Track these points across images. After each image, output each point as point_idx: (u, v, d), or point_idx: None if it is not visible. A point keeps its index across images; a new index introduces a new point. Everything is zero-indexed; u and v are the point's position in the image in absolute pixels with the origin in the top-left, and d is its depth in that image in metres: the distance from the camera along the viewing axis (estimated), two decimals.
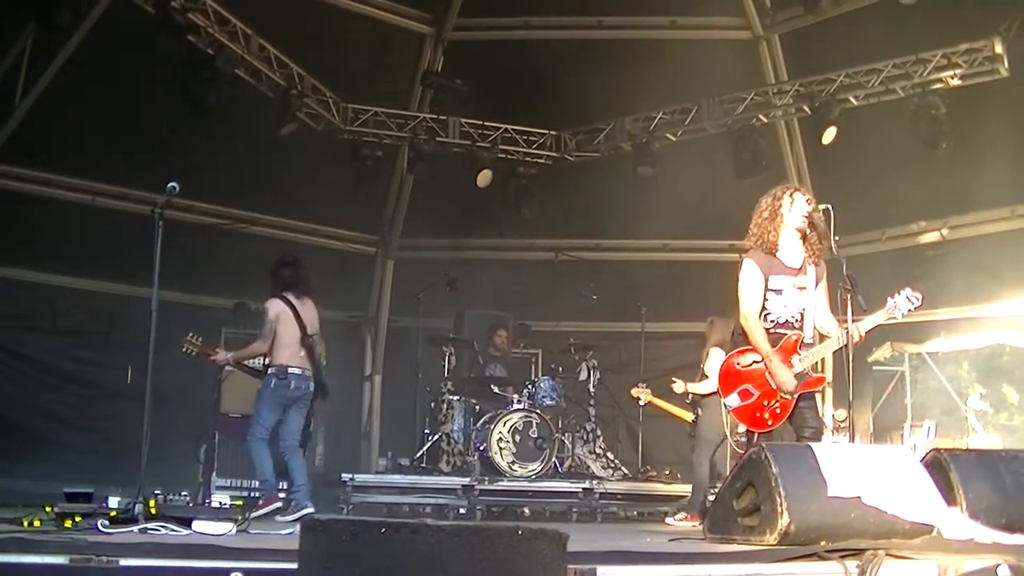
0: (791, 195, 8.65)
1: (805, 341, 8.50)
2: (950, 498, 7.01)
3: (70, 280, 15.19)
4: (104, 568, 4.57)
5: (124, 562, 4.63)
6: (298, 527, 7.96)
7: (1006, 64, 14.59)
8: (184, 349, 11.30)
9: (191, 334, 11.37)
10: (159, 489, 8.22)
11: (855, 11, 15.41)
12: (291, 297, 11.17)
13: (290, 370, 10.98)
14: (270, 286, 11.26)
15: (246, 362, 11.78)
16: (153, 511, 7.42)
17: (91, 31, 13.72)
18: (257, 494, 12.34)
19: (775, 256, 8.56)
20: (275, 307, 11.08)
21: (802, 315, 8.54)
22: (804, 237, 8.60)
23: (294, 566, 4.32)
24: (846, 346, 8.40)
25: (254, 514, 10.06)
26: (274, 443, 10.92)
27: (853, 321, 8.29)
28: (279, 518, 10.45)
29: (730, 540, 7.00)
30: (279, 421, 10.95)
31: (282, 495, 10.97)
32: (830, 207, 8.54)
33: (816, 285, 8.62)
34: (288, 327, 11.08)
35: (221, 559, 4.68)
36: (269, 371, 11.06)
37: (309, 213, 16.93)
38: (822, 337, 8.60)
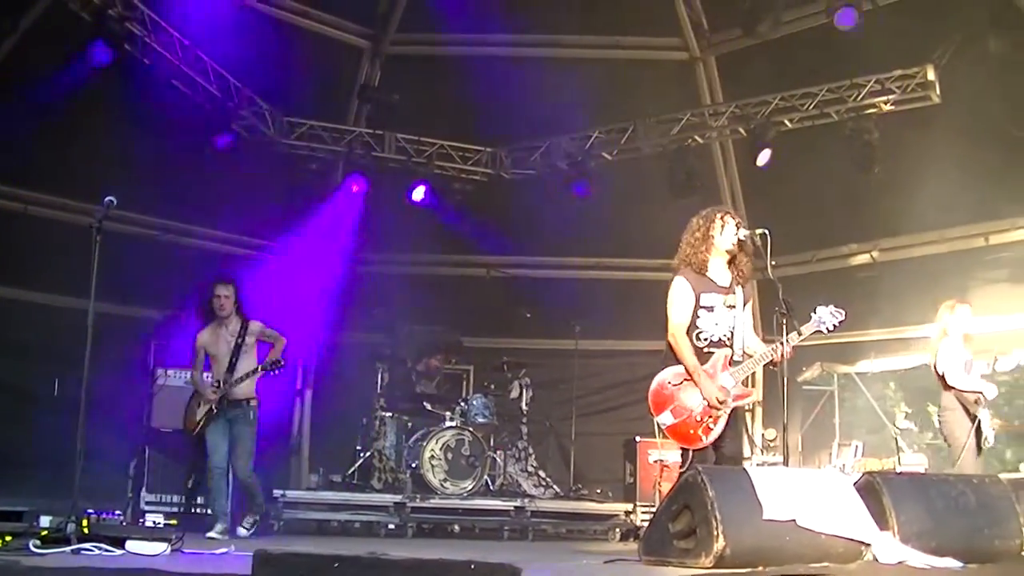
0: (722, 218, 8.73)
1: (734, 359, 8.57)
2: (882, 521, 7.09)
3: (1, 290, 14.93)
4: None
5: None
6: (233, 547, 7.98)
7: (938, 91, 14.83)
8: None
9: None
10: (89, 503, 8.13)
11: (791, 35, 15.57)
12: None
13: None
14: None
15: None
16: (86, 531, 7.31)
17: (24, 37, 13.55)
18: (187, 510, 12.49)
19: (705, 275, 8.63)
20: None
21: (733, 333, 8.61)
22: (732, 260, 8.68)
23: None
24: (778, 366, 8.48)
25: None
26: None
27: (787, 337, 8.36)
28: (209, 534, 10.54)
29: (666, 563, 7.02)
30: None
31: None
32: (766, 231, 8.60)
33: (744, 306, 8.71)
34: None
35: None
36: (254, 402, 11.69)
37: (243, 225, 16.77)
38: (749, 356, 8.67)
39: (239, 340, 11.48)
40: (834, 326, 8.66)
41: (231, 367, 11.40)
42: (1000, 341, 15.46)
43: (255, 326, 11.62)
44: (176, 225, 16.10)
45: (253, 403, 11.56)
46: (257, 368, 11.45)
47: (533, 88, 16.38)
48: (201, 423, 11.46)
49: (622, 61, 17.33)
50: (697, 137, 16.78)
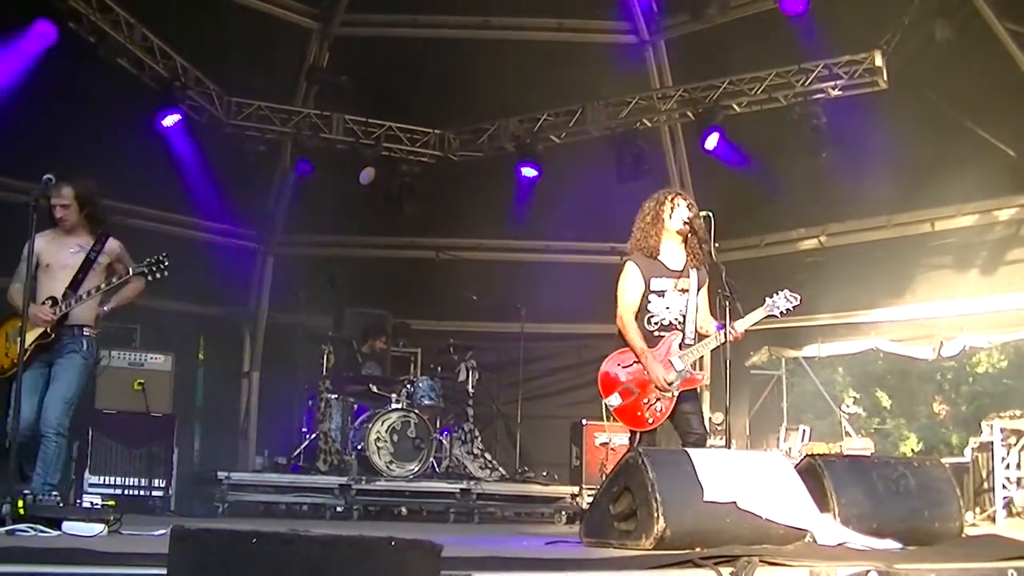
0: (672, 200, 8.73)
1: (686, 342, 8.58)
2: (823, 504, 7.11)
3: None
4: None
5: None
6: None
7: (885, 77, 14.89)
8: None
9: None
10: (32, 487, 8.07)
11: (740, 19, 15.59)
12: None
13: None
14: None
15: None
16: (22, 512, 7.23)
17: None
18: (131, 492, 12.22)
19: (656, 259, 8.63)
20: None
21: (685, 317, 8.62)
22: (685, 241, 8.68)
23: (164, 572, 4.24)
24: (724, 347, 8.47)
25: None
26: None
27: (732, 321, 8.37)
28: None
29: (606, 544, 7.01)
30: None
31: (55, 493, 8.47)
32: (711, 214, 8.61)
33: (698, 289, 8.71)
34: None
35: (90, 564, 4.56)
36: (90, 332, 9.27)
37: (189, 206, 16.62)
38: (702, 337, 8.69)
39: (92, 254, 9.12)
40: (787, 310, 8.72)
41: (75, 283, 9.01)
42: (945, 326, 15.61)
43: (114, 245, 9.25)
44: (119, 205, 15.89)
45: (88, 332, 9.15)
46: (113, 281, 9.06)
47: (482, 70, 16.39)
48: (29, 353, 8.70)
49: (571, 44, 17.29)
50: (646, 120, 16.77)
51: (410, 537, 4.14)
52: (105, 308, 9.34)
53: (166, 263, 9.08)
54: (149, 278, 9.14)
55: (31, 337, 8.73)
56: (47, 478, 8.70)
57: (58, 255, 9.01)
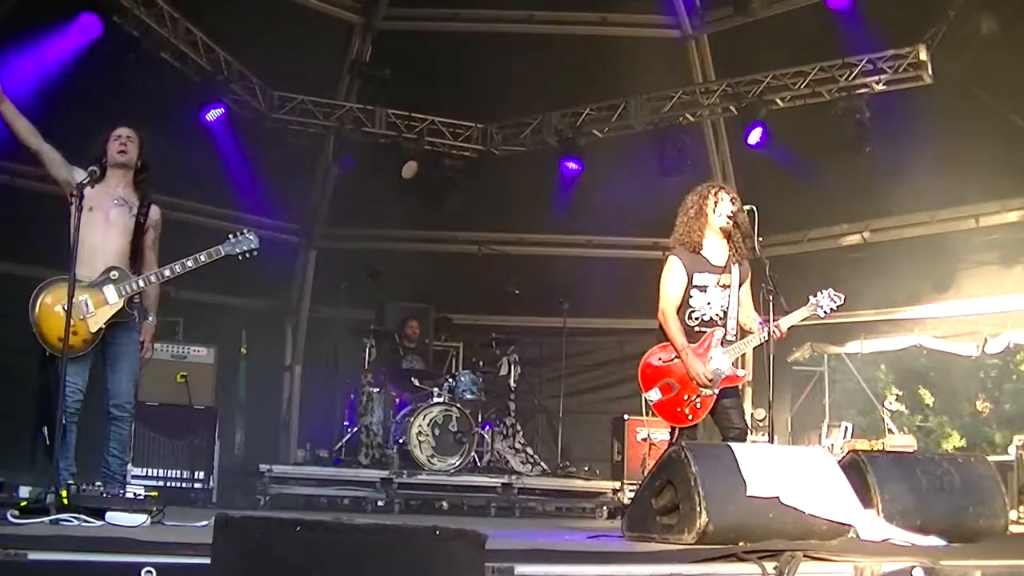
0: (716, 194, 8.69)
1: (728, 338, 8.54)
2: (867, 500, 7.06)
3: None
4: (11, 562, 4.43)
5: (33, 556, 4.50)
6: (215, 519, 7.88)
7: (930, 71, 14.78)
8: None
9: None
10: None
11: (784, 14, 15.53)
12: None
13: None
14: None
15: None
16: (65, 501, 7.24)
17: (15, 10, 13.43)
18: (174, 484, 12.27)
19: (699, 254, 8.60)
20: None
21: (726, 312, 8.58)
22: (728, 236, 8.64)
23: (208, 561, 4.26)
24: (767, 343, 8.43)
25: None
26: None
27: (775, 319, 8.34)
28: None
29: (648, 538, 6.99)
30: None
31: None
32: (754, 208, 8.57)
33: (740, 284, 8.67)
34: None
35: (133, 553, 4.58)
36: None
37: (232, 200, 16.67)
38: (744, 333, 8.66)
39: (141, 218, 8.53)
40: (831, 309, 8.69)
41: (135, 254, 8.44)
42: (990, 323, 15.50)
43: (157, 214, 8.72)
44: (161, 198, 15.95)
45: (136, 301, 8.48)
46: (201, 260, 8.43)
47: (524, 64, 16.39)
48: (102, 331, 8.26)
49: (615, 38, 17.31)
50: (688, 115, 16.77)
51: (454, 527, 4.15)
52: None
53: (255, 243, 8.60)
54: (239, 258, 8.57)
55: (104, 317, 8.21)
56: (124, 457, 8.59)
57: (101, 200, 8.32)
